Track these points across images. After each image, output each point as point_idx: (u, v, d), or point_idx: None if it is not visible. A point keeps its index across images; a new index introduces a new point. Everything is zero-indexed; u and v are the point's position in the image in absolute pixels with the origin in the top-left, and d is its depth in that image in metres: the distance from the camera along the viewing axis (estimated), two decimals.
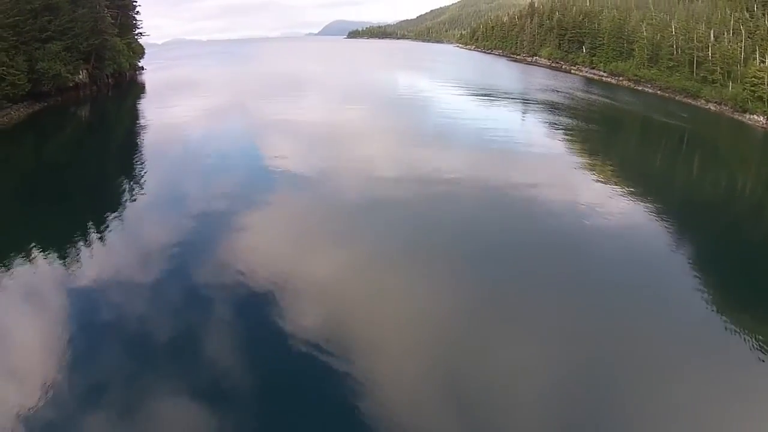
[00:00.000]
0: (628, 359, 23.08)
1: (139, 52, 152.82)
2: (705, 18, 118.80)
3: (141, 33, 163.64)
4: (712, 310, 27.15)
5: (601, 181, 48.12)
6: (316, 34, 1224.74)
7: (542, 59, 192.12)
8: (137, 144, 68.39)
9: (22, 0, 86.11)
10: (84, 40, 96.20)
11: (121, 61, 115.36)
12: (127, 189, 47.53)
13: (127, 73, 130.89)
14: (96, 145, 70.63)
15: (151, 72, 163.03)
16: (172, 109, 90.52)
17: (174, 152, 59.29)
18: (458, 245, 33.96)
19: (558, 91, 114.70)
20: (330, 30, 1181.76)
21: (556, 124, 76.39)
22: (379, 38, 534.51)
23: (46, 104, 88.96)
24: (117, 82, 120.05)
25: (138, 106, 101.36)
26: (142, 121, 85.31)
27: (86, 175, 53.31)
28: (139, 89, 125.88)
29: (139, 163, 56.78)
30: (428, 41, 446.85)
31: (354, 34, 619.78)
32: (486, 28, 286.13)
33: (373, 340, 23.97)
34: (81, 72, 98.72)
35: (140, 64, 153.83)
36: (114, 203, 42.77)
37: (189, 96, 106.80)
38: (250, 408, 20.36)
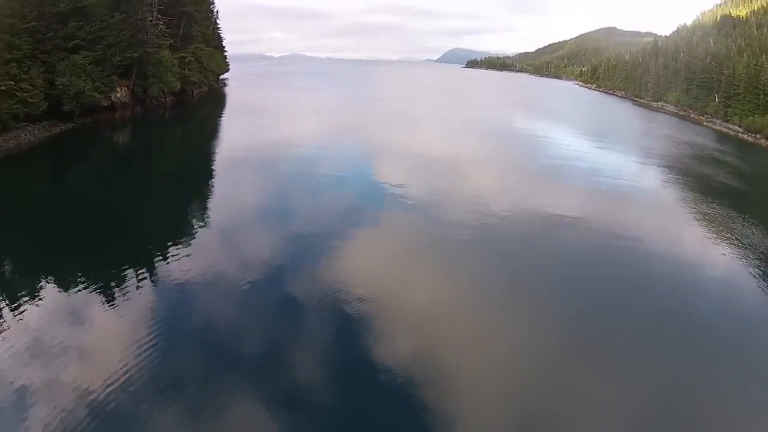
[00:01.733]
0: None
1: (217, 66, 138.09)
2: None
3: (221, 45, 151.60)
4: None
5: (721, 256, 40.82)
6: (434, 61, 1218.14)
7: (668, 105, 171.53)
8: (180, 175, 58.67)
9: (47, 2, 71.30)
10: (119, 52, 79.95)
11: (170, 80, 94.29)
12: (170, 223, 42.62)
13: (194, 91, 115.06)
14: (120, 177, 56.07)
15: (237, 89, 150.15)
16: (232, 138, 78.62)
17: (222, 191, 50.79)
18: (558, 287, 32.32)
19: (683, 144, 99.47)
20: (448, 57, 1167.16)
21: (676, 184, 66.16)
22: (498, 69, 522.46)
23: (72, 126, 72.15)
24: (178, 102, 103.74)
25: (196, 131, 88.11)
26: (194, 150, 73.80)
27: (102, 213, 43.26)
28: (207, 111, 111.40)
29: (182, 194, 50.92)
30: (547, 76, 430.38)
31: (472, 64, 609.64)
32: (607, 67, 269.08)
33: (461, 377, 22.81)
34: (119, 90, 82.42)
35: (226, 78, 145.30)
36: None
37: (263, 122, 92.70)
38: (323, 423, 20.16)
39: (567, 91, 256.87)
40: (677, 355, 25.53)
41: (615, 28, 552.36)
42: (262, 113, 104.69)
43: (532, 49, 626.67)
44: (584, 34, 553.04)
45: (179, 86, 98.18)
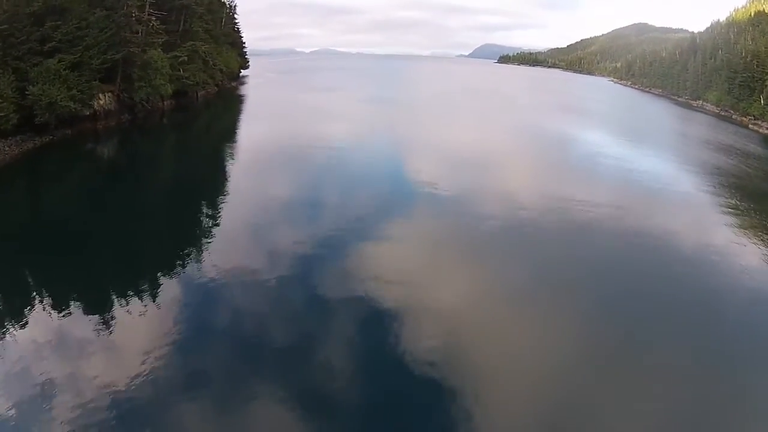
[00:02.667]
0: None
1: (227, 64, 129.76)
2: None
3: (239, 41, 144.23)
4: None
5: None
6: (466, 56, 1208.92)
7: (709, 104, 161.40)
8: (171, 190, 52.96)
9: (21, 2, 62.80)
10: (99, 54, 69.87)
11: (158, 82, 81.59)
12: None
13: (198, 93, 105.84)
14: (101, 195, 48.79)
15: (253, 89, 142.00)
16: (231, 149, 71.21)
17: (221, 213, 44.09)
18: (587, 285, 32.08)
19: (724, 150, 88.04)
20: (480, 53, 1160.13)
21: (719, 189, 60.83)
22: (530, 65, 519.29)
23: (50, 139, 62.73)
24: (179, 106, 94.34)
25: (192, 140, 79.23)
26: (186, 162, 65.46)
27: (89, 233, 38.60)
28: (210, 116, 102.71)
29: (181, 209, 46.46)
30: (579, 72, 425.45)
31: (504, 59, 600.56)
32: (643, 63, 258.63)
33: (490, 373, 22.90)
34: (102, 96, 72.44)
35: (246, 75, 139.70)
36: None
37: (268, 131, 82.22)
38: (348, 421, 20.02)
39: (604, 88, 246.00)
40: (708, 357, 25.21)
41: (646, 24, 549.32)
42: (271, 119, 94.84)
43: (563, 44, 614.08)
44: (616, 30, 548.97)
45: (171, 90, 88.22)
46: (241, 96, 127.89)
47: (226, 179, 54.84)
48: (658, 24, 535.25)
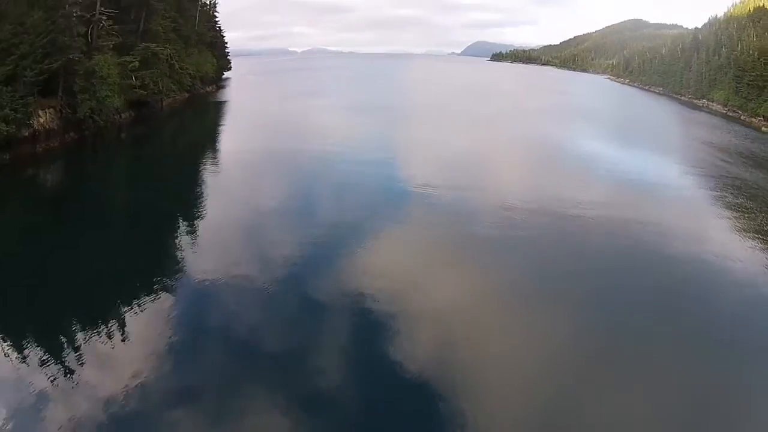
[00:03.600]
0: None
1: (198, 69, 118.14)
2: None
3: (219, 42, 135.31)
4: None
5: None
6: (458, 54, 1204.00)
7: (714, 104, 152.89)
8: (117, 220, 44.45)
9: None
10: (34, 64, 58.27)
11: (104, 94, 68.80)
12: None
13: (162, 102, 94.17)
14: (35, 235, 39.00)
15: (231, 94, 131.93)
16: (190, 170, 59.59)
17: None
18: (583, 286, 31.54)
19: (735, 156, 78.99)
20: (472, 50, 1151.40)
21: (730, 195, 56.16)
22: (523, 62, 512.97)
23: None
24: (139, 118, 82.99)
25: (149, 160, 66.19)
26: (144, 186, 54.08)
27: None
28: (173, 130, 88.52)
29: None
30: (573, 69, 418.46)
31: (497, 57, 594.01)
32: (642, 60, 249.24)
33: (486, 379, 22.40)
34: (42, 113, 61.15)
35: (228, 77, 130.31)
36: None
37: (234, 147, 71.52)
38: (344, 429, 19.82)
39: (604, 88, 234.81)
40: (710, 365, 24.54)
41: (640, 20, 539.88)
42: (243, 132, 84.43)
43: (556, 41, 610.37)
44: (609, 26, 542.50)
45: (119, 101, 74.22)
46: (215, 103, 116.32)
47: (189, 204, 46.57)
48: (652, 20, 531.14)
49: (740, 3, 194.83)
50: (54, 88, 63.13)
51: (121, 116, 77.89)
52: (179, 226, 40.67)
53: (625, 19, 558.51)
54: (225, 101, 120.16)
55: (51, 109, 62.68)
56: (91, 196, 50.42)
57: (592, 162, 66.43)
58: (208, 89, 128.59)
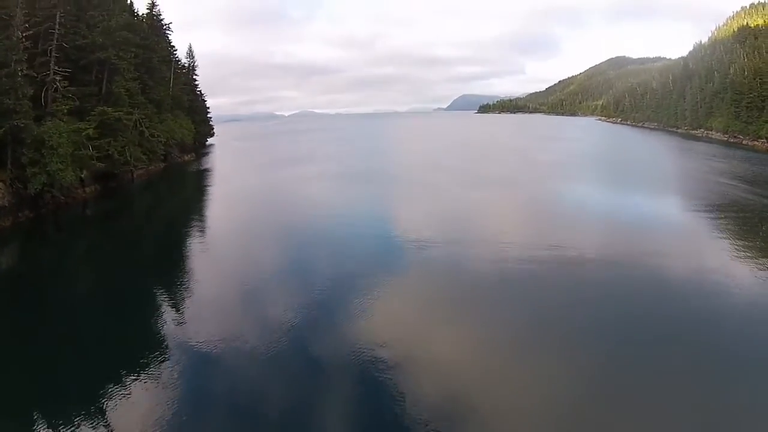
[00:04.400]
0: None
1: (171, 135, 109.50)
2: None
3: (199, 107, 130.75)
4: None
5: None
6: (444, 109, 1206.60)
7: (714, 132, 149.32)
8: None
9: None
10: None
11: (55, 167, 59.32)
12: None
13: (133, 174, 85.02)
14: None
15: (215, 161, 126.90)
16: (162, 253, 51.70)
17: None
18: (590, 337, 29.62)
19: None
20: (458, 104, 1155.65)
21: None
22: (511, 112, 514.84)
23: None
24: (107, 192, 74.84)
25: (112, 243, 54.68)
26: (104, 273, 45.02)
27: None
28: (149, 202, 79.62)
29: None
30: (562, 114, 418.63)
31: (485, 108, 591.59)
32: (633, 97, 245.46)
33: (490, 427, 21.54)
34: None
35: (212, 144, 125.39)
36: None
37: (219, 226, 60.72)
38: None
39: (597, 130, 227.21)
40: (718, 405, 23.23)
41: (623, 56, 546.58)
42: (220, 203, 76.18)
43: (541, 88, 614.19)
44: (592, 66, 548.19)
45: (73, 176, 63.39)
46: (195, 173, 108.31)
47: (168, 281, 41.11)
48: (634, 56, 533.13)
49: (724, 26, 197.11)
50: (4, 159, 55.83)
51: (85, 190, 70.18)
52: (159, 304, 36.33)
53: (608, 57, 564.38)
54: (206, 170, 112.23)
55: (1, 183, 54.97)
56: (40, 285, 41.82)
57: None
58: (186, 158, 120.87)
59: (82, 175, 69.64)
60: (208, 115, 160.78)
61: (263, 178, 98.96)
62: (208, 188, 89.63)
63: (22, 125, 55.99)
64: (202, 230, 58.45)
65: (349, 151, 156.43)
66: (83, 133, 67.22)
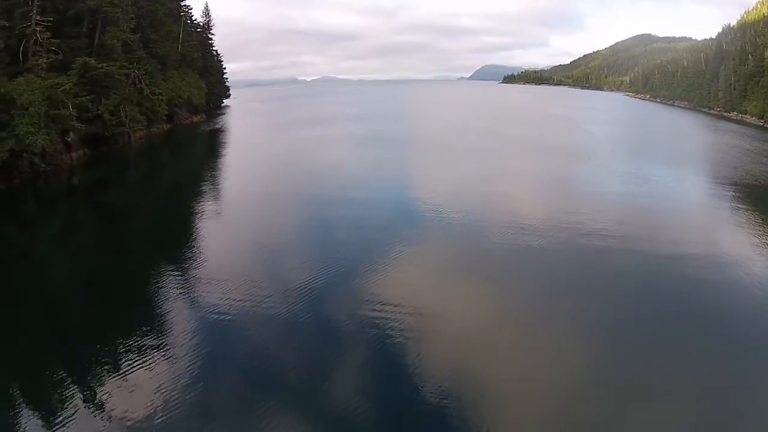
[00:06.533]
0: None
1: (179, 94, 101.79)
2: None
3: (214, 66, 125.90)
4: None
5: None
6: (467, 78, 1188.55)
7: (748, 117, 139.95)
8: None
9: None
10: None
11: (24, 131, 50.59)
12: None
13: (130, 136, 75.92)
14: None
15: (228, 121, 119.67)
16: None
17: None
18: (611, 314, 27.87)
19: None
20: (481, 74, 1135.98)
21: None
22: (535, 84, 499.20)
23: None
24: (98, 156, 66.76)
25: (98, 220, 47.70)
26: (85, 257, 38.17)
27: None
28: (146, 169, 70.13)
29: None
30: (587, 88, 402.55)
31: (509, 79, 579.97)
32: (663, 74, 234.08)
33: (507, 402, 20.79)
34: None
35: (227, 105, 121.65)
36: None
37: (226, 190, 56.64)
38: None
39: (629, 105, 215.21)
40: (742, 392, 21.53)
41: (649, 34, 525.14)
42: (230, 166, 69.66)
43: (565, 61, 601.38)
44: (618, 42, 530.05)
45: (45, 140, 54.34)
46: (202, 134, 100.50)
47: (172, 248, 38.52)
48: (660, 34, 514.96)
49: (753, 9, 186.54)
50: None
51: (71, 156, 62.18)
52: (158, 280, 32.40)
53: (634, 34, 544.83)
54: (216, 131, 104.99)
55: None
56: (15, 265, 36.37)
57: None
58: (195, 119, 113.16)
59: (68, 139, 61.48)
60: (224, 76, 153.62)
61: (278, 140, 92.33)
62: (217, 151, 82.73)
63: None
64: (206, 197, 53.03)
65: (381, 114, 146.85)
66: (60, 89, 57.73)
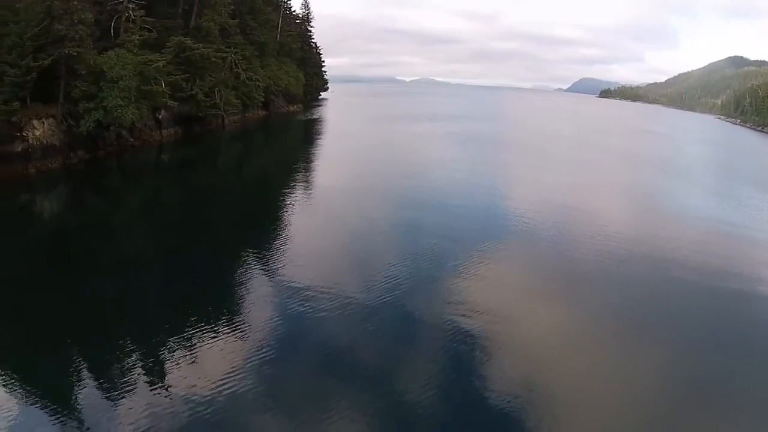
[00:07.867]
0: None
1: (276, 82, 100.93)
2: None
3: (312, 58, 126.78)
4: None
5: None
6: (565, 90, 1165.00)
7: None
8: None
9: None
10: (18, 58, 42.92)
11: (114, 103, 49.73)
12: None
13: (224, 119, 75.81)
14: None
15: (324, 113, 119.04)
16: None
17: None
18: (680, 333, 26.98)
19: None
20: (578, 87, 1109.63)
21: None
22: (631, 100, 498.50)
23: None
24: (190, 137, 66.34)
25: (177, 201, 46.35)
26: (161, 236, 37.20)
27: None
28: (237, 152, 70.04)
29: None
30: (680, 108, 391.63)
31: (606, 94, 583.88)
32: (754, 99, 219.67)
33: (575, 411, 20.12)
34: (39, 124, 45.32)
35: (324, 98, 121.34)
36: None
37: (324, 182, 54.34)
38: None
39: (723, 131, 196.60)
40: None
41: (741, 56, 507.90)
42: (325, 156, 68.13)
43: (659, 78, 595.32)
44: (711, 63, 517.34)
45: (134, 114, 52.89)
46: (298, 123, 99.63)
47: (257, 230, 38.99)
48: (752, 57, 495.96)
49: None
50: (56, 93, 47.63)
51: (161, 133, 62.09)
52: (239, 261, 31.93)
53: (725, 56, 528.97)
54: (312, 120, 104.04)
55: (51, 119, 46.67)
56: (93, 234, 36.05)
57: None
58: (291, 108, 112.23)
59: (160, 116, 61.08)
60: (323, 69, 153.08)
61: (376, 133, 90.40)
62: (311, 140, 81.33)
63: (75, 54, 46.85)
64: (296, 185, 51.99)
65: (491, 119, 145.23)
66: (153, 66, 56.98)
